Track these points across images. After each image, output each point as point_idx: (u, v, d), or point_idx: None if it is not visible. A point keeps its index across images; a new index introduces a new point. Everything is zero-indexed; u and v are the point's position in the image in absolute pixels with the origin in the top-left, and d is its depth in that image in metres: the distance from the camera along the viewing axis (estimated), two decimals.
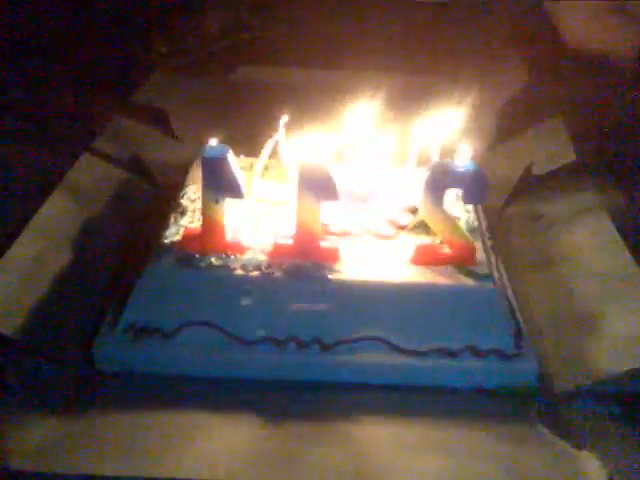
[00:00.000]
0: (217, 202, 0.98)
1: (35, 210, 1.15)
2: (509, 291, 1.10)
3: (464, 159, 0.97)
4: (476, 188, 0.97)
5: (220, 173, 0.96)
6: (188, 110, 1.64)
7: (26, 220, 1.12)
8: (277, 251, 1.02)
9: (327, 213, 1.05)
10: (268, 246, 1.03)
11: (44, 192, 1.21)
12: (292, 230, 1.02)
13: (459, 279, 1.01)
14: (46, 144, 1.38)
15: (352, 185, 1.14)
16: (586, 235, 1.22)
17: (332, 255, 1.02)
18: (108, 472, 0.83)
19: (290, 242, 1.02)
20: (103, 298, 1.08)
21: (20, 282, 1.02)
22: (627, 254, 1.12)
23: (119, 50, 1.80)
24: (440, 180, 0.96)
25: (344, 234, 1.07)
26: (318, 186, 0.96)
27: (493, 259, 1.14)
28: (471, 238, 1.03)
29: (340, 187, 0.98)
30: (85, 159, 1.35)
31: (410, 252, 1.04)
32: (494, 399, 0.98)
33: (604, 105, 1.46)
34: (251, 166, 1.21)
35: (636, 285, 1.06)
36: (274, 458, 0.87)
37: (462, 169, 0.95)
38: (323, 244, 1.02)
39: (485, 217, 1.27)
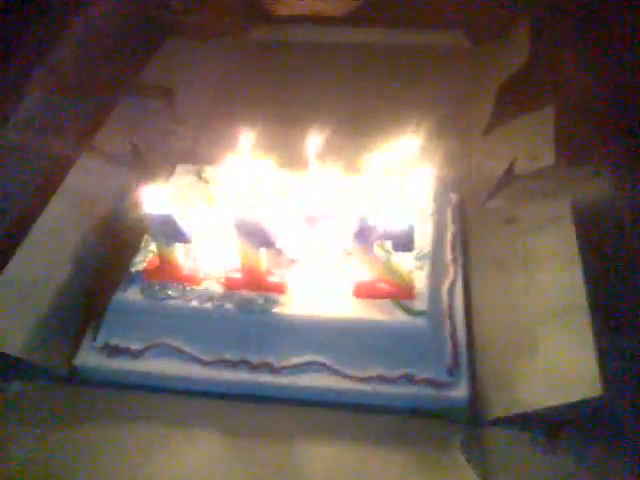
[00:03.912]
0: (168, 245, 1.08)
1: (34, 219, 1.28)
2: (456, 318, 1.15)
3: (395, 216, 1.01)
4: (403, 241, 1.01)
5: (166, 227, 1.04)
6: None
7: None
8: (228, 284, 1.11)
9: (281, 239, 1.11)
10: (222, 277, 1.12)
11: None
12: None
13: (395, 315, 1.07)
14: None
15: (305, 206, 1.19)
16: (548, 249, 1.24)
17: (279, 288, 1.10)
18: None
19: (239, 276, 1.11)
20: (85, 317, 1.21)
21: (16, 300, 1.16)
22: (581, 282, 1.13)
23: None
24: (367, 235, 1.01)
25: (293, 263, 1.14)
26: (254, 236, 1.04)
27: (451, 273, 1.20)
28: (408, 276, 1.08)
29: (280, 229, 1.06)
30: (85, 157, 1.44)
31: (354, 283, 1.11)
32: (424, 422, 1.06)
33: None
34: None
35: (580, 319, 1.08)
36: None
37: (388, 228, 1.00)
38: (270, 278, 1.11)
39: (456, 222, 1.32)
